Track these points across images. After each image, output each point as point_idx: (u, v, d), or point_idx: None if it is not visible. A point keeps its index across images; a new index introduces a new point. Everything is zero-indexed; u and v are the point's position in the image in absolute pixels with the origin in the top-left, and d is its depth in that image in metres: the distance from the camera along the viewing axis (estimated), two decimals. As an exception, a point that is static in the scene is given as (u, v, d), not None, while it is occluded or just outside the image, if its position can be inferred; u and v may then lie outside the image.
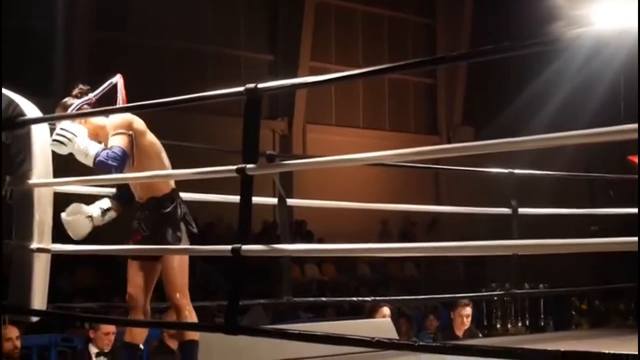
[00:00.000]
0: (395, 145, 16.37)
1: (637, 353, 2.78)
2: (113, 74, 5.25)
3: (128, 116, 5.05)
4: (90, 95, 5.16)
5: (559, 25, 12.45)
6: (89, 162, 4.96)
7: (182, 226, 5.08)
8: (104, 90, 5.18)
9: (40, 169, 5.07)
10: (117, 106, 5.08)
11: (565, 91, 17.51)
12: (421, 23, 22.09)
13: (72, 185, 5.47)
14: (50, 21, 15.86)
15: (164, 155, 5.16)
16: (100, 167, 4.90)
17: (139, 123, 5.07)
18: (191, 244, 5.16)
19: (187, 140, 8.97)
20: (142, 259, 5.10)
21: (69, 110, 5.08)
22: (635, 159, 7.36)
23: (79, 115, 5.10)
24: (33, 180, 5.02)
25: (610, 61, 15.92)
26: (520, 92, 18.03)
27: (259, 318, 12.17)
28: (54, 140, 4.98)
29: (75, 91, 5.19)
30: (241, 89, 4.12)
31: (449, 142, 21.11)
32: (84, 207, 5.18)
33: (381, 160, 4.59)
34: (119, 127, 4.99)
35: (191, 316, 5.07)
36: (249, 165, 4.01)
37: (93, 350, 7.47)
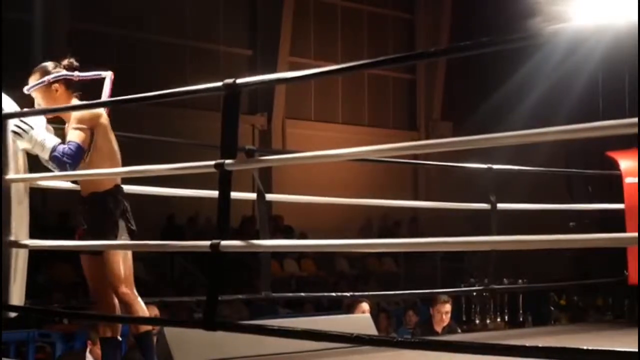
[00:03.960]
0: (374, 140, 16.32)
1: (637, 350, 2.76)
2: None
3: (95, 110, 4.99)
4: (77, 73, 5.10)
5: (538, 21, 12.46)
6: (45, 156, 4.93)
7: (121, 222, 5.02)
8: (90, 77, 5.13)
9: (17, 165, 5.03)
10: (96, 101, 5.01)
11: (544, 87, 17.57)
12: (401, 18, 22.10)
13: (49, 181, 5.44)
14: (28, 12, 15.78)
15: (118, 157, 5.10)
16: (54, 161, 4.89)
17: (104, 119, 5.03)
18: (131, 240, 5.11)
19: (166, 135, 8.95)
20: (88, 254, 5.06)
21: (48, 77, 5.04)
22: (614, 155, 7.36)
23: (52, 111, 5.06)
24: (9, 175, 4.98)
25: (589, 57, 15.97)
26: (499, 87, 18.07)
27: (236, 313, 12.15)
28: (12, 131, 4.93)
29: (66, 62, 5.13)
30: (220, 84, 4.10)
31: (427, 137, 21.15)
32: None
33: (360, 156, 4.58)
34: (80, 121, 4.94)
35: (142, 309, 5.02)
36: (227, 161, 4.00)
37: (89, 358, 7.54)
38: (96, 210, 5.00)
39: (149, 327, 5.06)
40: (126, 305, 4.99)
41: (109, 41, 16.71)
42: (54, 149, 4.87)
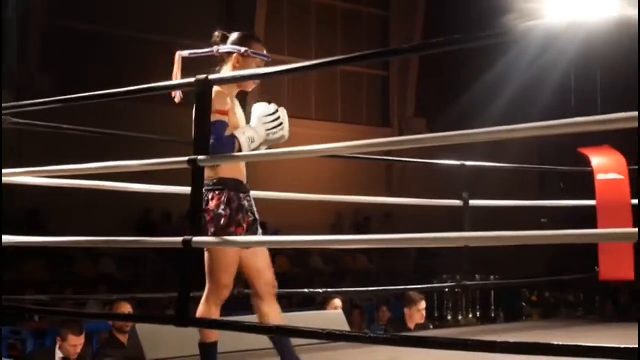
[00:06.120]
0: (348, 137, 16.37)
1: (637, 346, 2.76)
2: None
3: None
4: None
5: (511, 18, 12.51)
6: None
7: None
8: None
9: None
10: (91, 94, 4.90)
11: (517, 84, 17.62)
12: (375, 15, 22.10)
13: (21, 177, 5.41)
14: (2, 8, 15.67)
15: None
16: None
17: None
18: None
19: (143, 130, 8.90)
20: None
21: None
22: (586, 151, 7.38)
23: (54, 102, 5.02)
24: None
25: (561, 54, 16.05)
26: (472, 84, 18.11)
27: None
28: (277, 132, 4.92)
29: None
30: (192, 79, 4.10)
31: (401, 134, 21.15)
32: None
33: (334, 152, 4.59)
34: None
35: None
36: (200, 157, 3.99)
37: (59, 354, 7.47)
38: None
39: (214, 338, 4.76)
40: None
41: (84, 38, 16.60)
42: None
